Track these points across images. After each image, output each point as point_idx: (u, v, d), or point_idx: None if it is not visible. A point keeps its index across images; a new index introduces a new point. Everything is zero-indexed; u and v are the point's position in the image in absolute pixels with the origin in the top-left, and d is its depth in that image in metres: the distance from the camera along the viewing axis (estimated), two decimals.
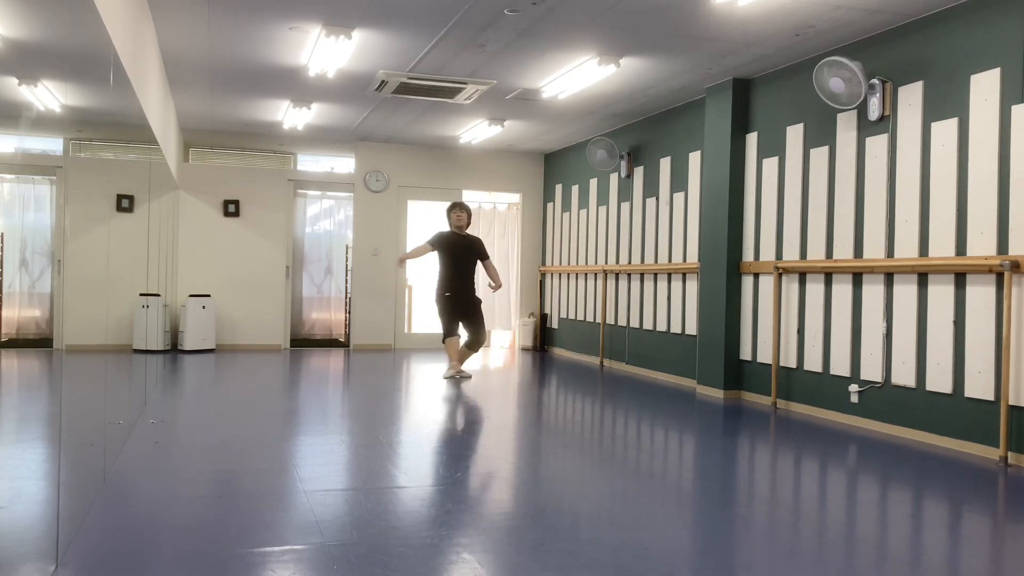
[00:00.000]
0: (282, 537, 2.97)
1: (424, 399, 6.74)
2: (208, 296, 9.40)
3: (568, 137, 9.53)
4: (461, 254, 7.59)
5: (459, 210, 7.66)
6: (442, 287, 7.56)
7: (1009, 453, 4.39)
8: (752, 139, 6.56)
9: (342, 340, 10.27)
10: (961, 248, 4.73)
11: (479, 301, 7.66)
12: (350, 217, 10.26)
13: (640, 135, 8.39)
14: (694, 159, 7.41)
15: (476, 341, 7.64)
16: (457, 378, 7.52)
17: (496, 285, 7.71)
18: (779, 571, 2.76)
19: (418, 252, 7.75)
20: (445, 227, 7.74)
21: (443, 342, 7.62)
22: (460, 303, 7.53)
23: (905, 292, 5.12)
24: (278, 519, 3.18)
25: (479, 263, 7.75)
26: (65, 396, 6.18)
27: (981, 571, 2.86)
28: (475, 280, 7.66)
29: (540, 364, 9.14)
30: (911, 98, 5.09)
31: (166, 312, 9.02)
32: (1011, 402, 4.38)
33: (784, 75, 6.23)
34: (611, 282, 8.93)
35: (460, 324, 7.56)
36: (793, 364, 6.04)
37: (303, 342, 10.15)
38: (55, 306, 8.38)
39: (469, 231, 7.82)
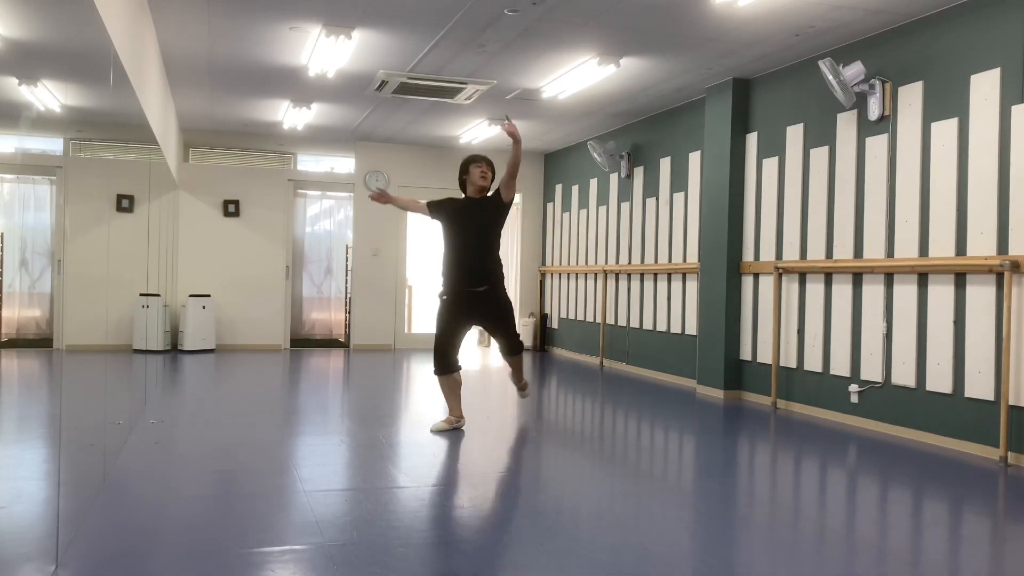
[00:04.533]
0: (282, 537, 2.97)
1: (424, 399, 6.73)
2: (208, 296, 9.40)
3: (568, 137, 9.52)
4: (473, 223, 5.06)
5: (483, 164, 5.12)
6: (444, 281, 5.14)
7: (1009, 453, 4.39)
8: (752, 139, 6.55)
9: (342, 340, 10.27)
10: (961, 248, 4.73)
11: (507, 298, 5.18)
12: (350, 217, 10.26)
13: (640, 135, 8.38)
14: (694, 159, 7.41)
15: (511, 345, 5.25)
16: (456, 427, 5.12)
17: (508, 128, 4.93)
18: (779, 571, 2.76)
19: (409, 204, 5.41)
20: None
21: (434, 373, 5.16)
22: (471, 305, 5.04)
23: (905, 292, 5.12)
24: (278, 519, 3.18)
25: (503, 212, 5.12)
26: (65, 396, 6.18)
27: (981, 571, 2.86)
28: (497, 263, 5.14)
29: (540, 364, 9.14)
30: (911, 98, 5.09)
31: (166, 312, 9.02)
32: (1011, 402, 4.38)
33: (784, 75, 6.23)
34: (611, 282, 8.92)
35: (460, 345, 5.16)
36: (793, 364, 6.04)
37: (303, 342, 10.14)
38: (55, 306, 8.38)
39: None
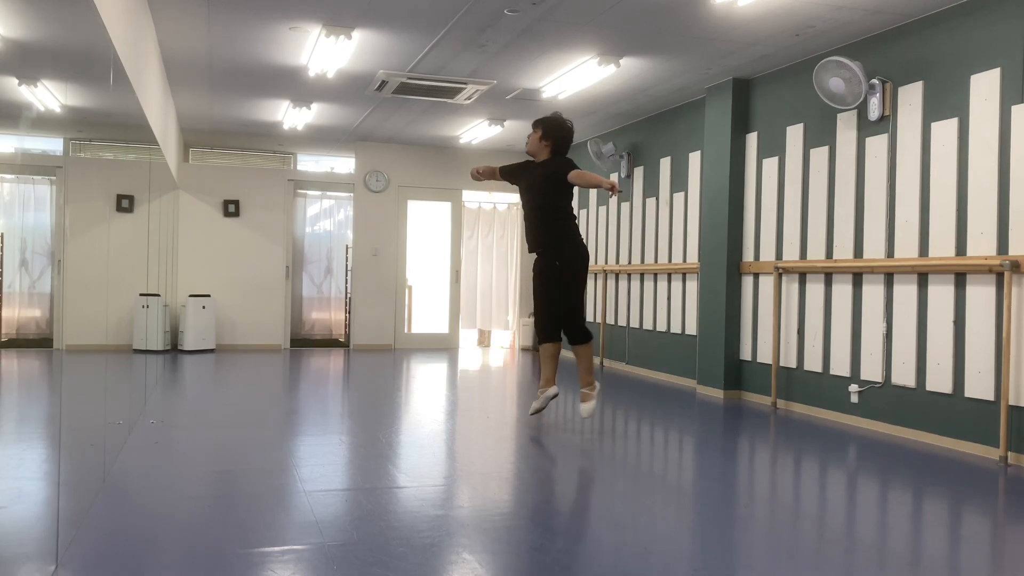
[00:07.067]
0: (282, 537, 2.96)
1: (424, 399, 6.73)
2: (208, 296, 9.40)
3: None
4: (530, 191, 5.10)
5: (532, 130, 5.21)
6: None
7: (1009, 453, 4.39)
8: (752, 139, 6.55)
9: (342, 340, 10.27)
10: (961, 248, 4.73)
11: (568, 263, 5.00)
12: (350, 217, 10.26)
13: (640, 135, 8.38)
14: (694, 159, 7.41)
15: (573, 329, 5.10)
16: (542, 407, 5.27)
17: (610, 187, 4.54)
18: (779, 571, 2.76)
19: (488, 171, 5.38)
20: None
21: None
22: (543, 274, 5.01)
23: (905, 292, 5.12)
24: (278, 519, 3.18)
25: (565, 192, 5.04)
26: (65, 396, 6.18)
27: (981, 571, 2.86)
28: (564, 229, 5.02)
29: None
30: (911, 98, 5.09)
31: (166, 312, 9.03)
32: (1011, 402, 4.38)
33: (784, 75, 6.23)
34: (611, 282, 8.92)
35: (555, 313, 5.08)
36: (793, 364, 6.04)
37: (303, 342, 10.15)
38: (55, 306, 8.39)
39: (558, 156, 5.13)
